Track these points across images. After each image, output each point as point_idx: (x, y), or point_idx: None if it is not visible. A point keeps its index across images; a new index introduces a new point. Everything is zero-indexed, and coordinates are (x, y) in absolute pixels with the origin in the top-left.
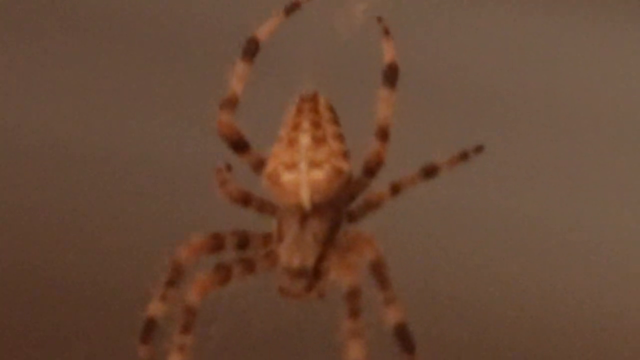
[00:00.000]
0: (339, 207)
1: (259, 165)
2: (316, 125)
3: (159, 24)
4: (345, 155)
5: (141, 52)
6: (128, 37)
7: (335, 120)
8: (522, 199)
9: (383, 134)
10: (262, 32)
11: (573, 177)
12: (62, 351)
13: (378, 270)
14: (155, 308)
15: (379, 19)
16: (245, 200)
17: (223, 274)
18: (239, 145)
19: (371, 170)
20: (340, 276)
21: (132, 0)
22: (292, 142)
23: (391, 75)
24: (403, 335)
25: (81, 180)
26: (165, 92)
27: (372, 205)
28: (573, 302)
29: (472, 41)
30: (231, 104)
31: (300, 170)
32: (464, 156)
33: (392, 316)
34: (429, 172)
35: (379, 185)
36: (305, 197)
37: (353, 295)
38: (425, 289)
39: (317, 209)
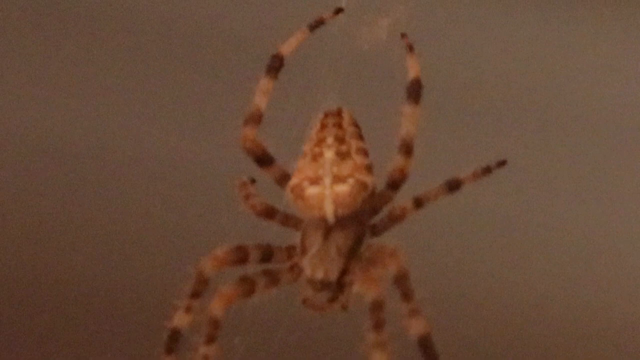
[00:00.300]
0: (362, 221)
1: (283, 179)
2: (340, 140)
3: (181, 34)
4: (369, 169)
5: (164, 60)
6: (152, 47)
7: (359, 135)
8: (542, 207)
9: (407, 149)
10: (286, 48)
11: (587, 185)
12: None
13: (402, 283)
14: (180, 319)
15: (403, 35)
16: (269, 213)
17: (247, 286)
18: (263, 160)
19: (395, 184)
20: (364, 289)
21: (152, 13)
22: (316, 157)
23: (415, 91)
24: (427, 346)
25: (106, 184)
26: (190, 101)
27: (395, 219)
28: (580, 304)
29: (495, 53)
30: (255, 119)
31: (324, 184)
32: (487, 170)
33: (415, 327)
34: (453, 186)
35: (402, 198)
36: (329, 211)
37: (377, 307)
38: (447, 299)
39: (341, 222)
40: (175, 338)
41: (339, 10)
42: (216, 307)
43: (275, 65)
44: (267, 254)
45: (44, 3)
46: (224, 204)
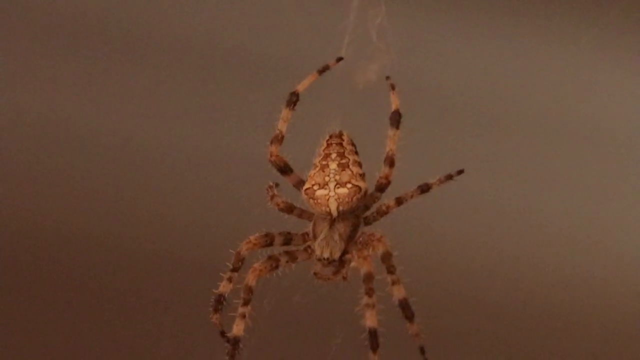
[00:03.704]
0: (358, 215)
1: (299, 184)
2: (341, 155)
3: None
4: (363, 177)
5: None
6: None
7: (356, 151)
8: (518, 194)
9: (390, 162)
10: (301, 87)
11: (559, 176)
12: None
13: (386, 260)
14: (224, 287)
15: (387, 77)
16: (289, 209)
17: (273, 262)
18: (285, 170)
19: (381, 187)
20: (358, 264)
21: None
22: (323, 168)
23: (396, 119)
24: (405, 307)
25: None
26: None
27: (382, 213)
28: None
29: (464, 83)
30: (278, 139)
31: (329, 188)
32: (449, 177)
33: (397, 293)
34: (424, 189)
35: (387, 198)
36: (333, 208)
37: (368, 278)
38: (422, 274)
39: (342, 216)
40: (220, 301)
41: (340, 59)
42: (250, 278)
43: (293, 100)
44: (287, 239)
45: (92, 24)
46: (256, 203)
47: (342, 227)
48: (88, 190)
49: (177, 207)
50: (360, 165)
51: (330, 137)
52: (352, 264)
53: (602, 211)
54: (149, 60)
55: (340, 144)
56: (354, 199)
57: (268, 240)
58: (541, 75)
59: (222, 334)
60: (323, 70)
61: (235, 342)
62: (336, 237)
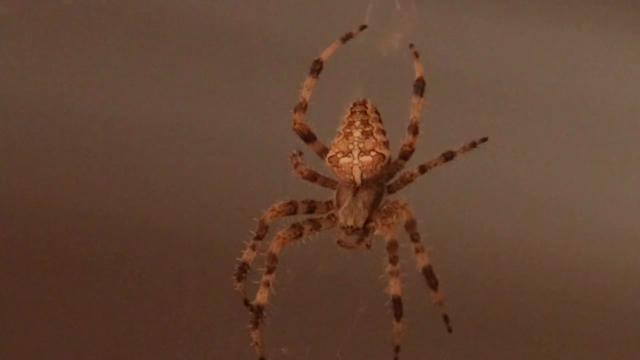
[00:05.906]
0: (381, 183)
1: (322, 152)
2: (365, 123)
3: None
4: (387, 144)
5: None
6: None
7: (379, 119)
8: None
9: (414, 129)
10: (325, 55)
11: (562, 155)
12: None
13: (410, 228)
14: (247, 255)
15: (411, 45)
16: (312, 177)
17: (297, 231)
18: (308, 138)
19: (405, 155)
20: (383, 232)
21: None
22: (347, 135)
23: (420, 87)
24: (429, 275)
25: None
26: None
27: (406, 181)
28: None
29: (485, 52)
30: (302, 108)
31: (353, 156)
32: (473, 145)
33: (421, 261)
34: (448, 156)
35: (410, 166)
36: (357, 175)
37: (392, 246)
38: (447, 243)
39: (366, 183)
40: (243, 269)
41: (363, 27)
42: (274, 246)
43: (317, 68)
44: (311, 207)
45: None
46: (280, 171)
47: (365, 195)
48: (103, 171)
49: (201, 179)
50: (384, 133)
51: (354, 105)
52: (376, 232)
53: (620, 189)
54: (164, 39)
55: (364, 112)
56: (378, 166)
57: (292, 209)
58: (565, 48)
59: (246, 302)
60: (346, 38)
61: (258, 310)
62: (360, 205)
